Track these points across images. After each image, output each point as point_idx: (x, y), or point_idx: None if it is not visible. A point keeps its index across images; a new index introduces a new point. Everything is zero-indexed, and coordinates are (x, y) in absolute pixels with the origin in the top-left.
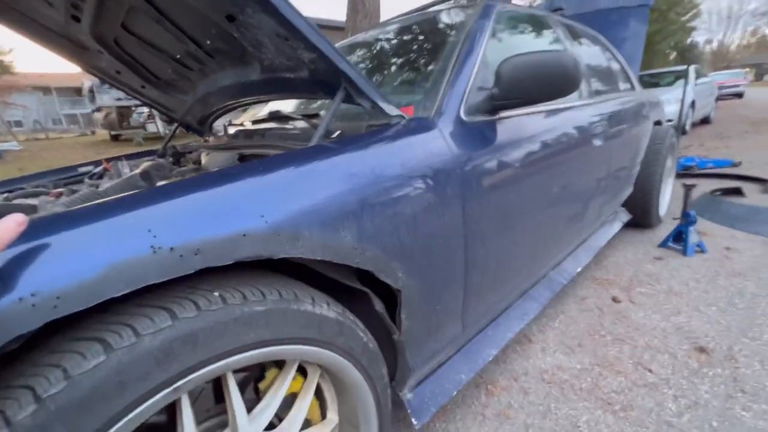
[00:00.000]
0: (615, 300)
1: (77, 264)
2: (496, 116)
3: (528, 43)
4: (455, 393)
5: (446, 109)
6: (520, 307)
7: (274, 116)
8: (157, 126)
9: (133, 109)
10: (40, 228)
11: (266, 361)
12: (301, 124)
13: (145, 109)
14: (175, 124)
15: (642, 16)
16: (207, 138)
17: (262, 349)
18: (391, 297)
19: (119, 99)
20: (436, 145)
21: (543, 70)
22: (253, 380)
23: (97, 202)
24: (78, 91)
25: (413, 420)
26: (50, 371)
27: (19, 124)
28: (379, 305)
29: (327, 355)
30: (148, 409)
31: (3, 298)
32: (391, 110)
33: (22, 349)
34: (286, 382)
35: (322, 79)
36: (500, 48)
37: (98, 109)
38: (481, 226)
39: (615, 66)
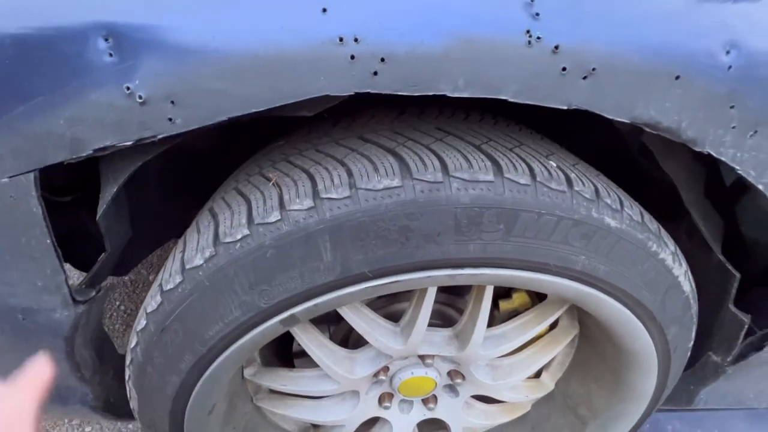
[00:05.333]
0: None
1: (419, 20)
2: None
3: None
4: None
5: None
6: None
7: None
8: None
9: None
10: None
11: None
12: None
13: None
14: None
15: None
16: None
17: (570, 283)
18: None
19: None
20: None
21: None
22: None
23: None
24: None
25: None
26: (334, 168)
27: None
28: (745, 317)
29: (643, 338)
30: (411, 282)
31: (318, 29)
32: None
33: (304, 123)
34: (542, 325)
35: None
36: None
37: None
38: None
39: None
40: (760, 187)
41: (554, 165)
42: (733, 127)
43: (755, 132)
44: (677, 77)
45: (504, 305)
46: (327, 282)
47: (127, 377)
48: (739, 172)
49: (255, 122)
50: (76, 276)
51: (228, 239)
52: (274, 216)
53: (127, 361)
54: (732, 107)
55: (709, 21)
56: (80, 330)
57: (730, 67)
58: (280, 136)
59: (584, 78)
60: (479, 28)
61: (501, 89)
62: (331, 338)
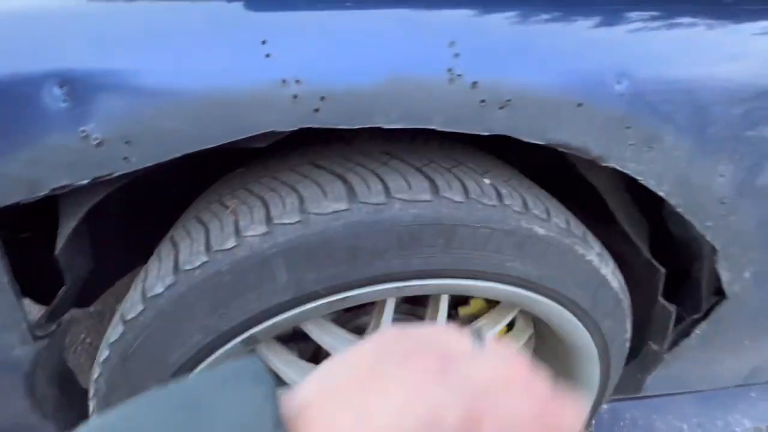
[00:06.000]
0: None
1: (354, 62)
2: None
3: None
4: None
5: None
6: None
7: None
8: None
9: None
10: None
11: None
12: None
13: None
14: None
15: None
16: None
17: (508, 287)
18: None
19: None
20: None
21: None
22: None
23: None
24: None
25: None
26: (287, 194)
27: None
28: (671, 307)
29: (581, 333)
30: (361, 297)
31: (263, 72)
32: None
33: (256, 153)
34: (497, 328)
35: None
36: None
37: None
38: None
39: None
40: (661, 194)
41: (488, 182)
42: (631, 144)
43: (650, 147)
44: (579, 104)
45: (463, 311)
46: (283, 302)
47: (90, 410)
48: (642, 182)
49: (218, 151)
50: (38, 310)
51: (188, 266)
52: (231, 242)
53: (90, 394)
54: (628, 127)
55: (603, 56)
56: (41, 366)
57: (622, 94)
58: (242, 163)
59: (501, 108)
60: (408, 67)
61: (430, 120)
62: (300, 356)
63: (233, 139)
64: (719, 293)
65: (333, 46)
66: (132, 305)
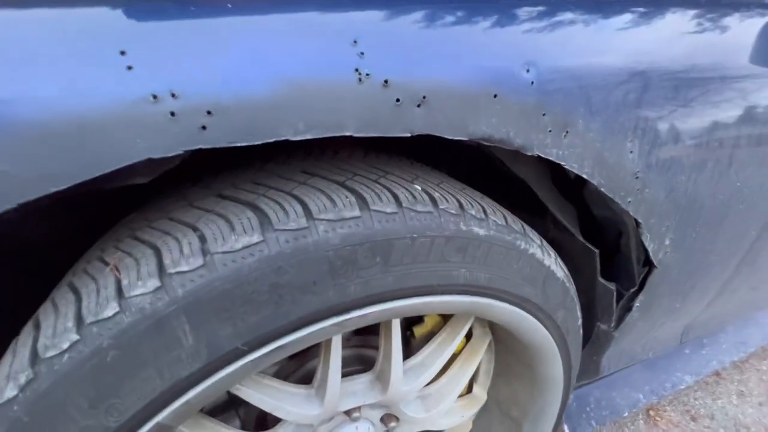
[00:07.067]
0: None
1: (244, 69)
2: None
3: None
4: (626, 414)
5: None
6: (740, 332)
7: None
8: None
9: None
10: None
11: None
12: None
13: None
14: None
15: None
16: None
17: (459, 297)
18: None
19: None
20: None
21: None
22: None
23: None
24: None
25: (564, 426)
26: (184, 236)
27: None
28: (611, 285)
29: (539, 330)
30: (296, 343)
31: (125, 88)
32: None
33: (156, 184)
34: (456, 341)
35: None
36: None
37: None
38: None
39: None
40: (584, 176)
41: (419, 188)
42: (550, 131)
43: (567, 132)
44: (495, 96)
45: (419, 331)
46: (194, 371)
47: None
48: (565, 166)
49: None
50: None
51: (51, 353)
52: (112, 308)
53: None
54: (544, 115)
55: (510, 46)
56: None
57: (532, 82)
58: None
59: (418, 106)
60: (309, 71)
61: (342, 126)
62: (244, 424)
63: (94, 176)
64: (648, 264)
65: (216, 51)
66: None
